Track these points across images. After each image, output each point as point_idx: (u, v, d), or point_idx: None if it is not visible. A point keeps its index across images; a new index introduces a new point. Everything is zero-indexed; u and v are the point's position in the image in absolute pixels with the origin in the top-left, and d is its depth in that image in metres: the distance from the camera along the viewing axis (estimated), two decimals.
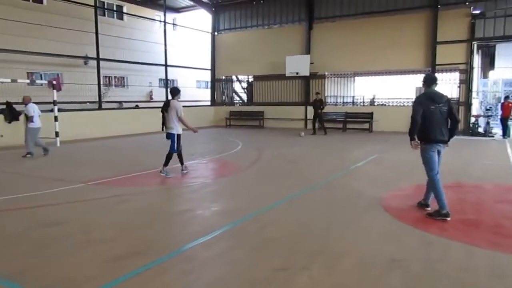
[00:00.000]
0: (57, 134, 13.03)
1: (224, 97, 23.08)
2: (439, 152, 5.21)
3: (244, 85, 23.59)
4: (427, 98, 5.14)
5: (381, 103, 19.12)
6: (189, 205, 5.77)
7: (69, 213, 5.36)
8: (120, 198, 6.14)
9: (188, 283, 3.28)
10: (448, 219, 4.90)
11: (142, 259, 3.74)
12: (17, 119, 12.30)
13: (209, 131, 18.59)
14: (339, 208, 5.53)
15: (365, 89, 22.20)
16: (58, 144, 12.98)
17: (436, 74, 16.16)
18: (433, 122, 5.05)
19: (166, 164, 7.82)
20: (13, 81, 12.45)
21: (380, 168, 8.62)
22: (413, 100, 5.42)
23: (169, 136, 7.81)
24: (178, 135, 7.84)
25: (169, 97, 8.08)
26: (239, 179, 7.79)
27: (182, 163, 8.10)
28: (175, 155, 7.87)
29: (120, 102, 21.22)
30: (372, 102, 19.31)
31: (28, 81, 14.27)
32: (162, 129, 8.07)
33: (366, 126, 17.63)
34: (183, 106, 7.88)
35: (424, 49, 16.67)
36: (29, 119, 10.34)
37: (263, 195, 6.35)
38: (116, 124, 16.42)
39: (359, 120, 17.86)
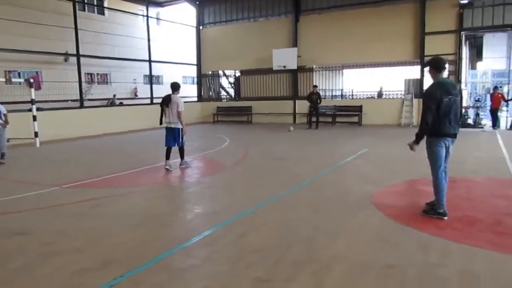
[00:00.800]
0: (36, 134, 12.50)
1: (211, 92, 22.61)
2: (447, 148, 4.66)
3: (231, 80, 23.16)
4: (441, 89, 4.46)
5: (370, 96, 18.86)
6: (169, 207, 5.38)
7: (36, 221, 4.93)
8: (95, 202, 5.72)
9: None
10: (445, 218, 4.59)
11: (110, 272, 3.35)
12: None
13: (195, 128, 18.15)
14: (328, 208, 5.18)
15: (353, 82, 21.90)
16: (38, 145, 12.46)
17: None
18: (446, 114, 4.45)
19: (182, 157, 8.22)
20: None
21: (370, 163, 8.32)
22: (425, 92, 4.67)
23: (172, 130, 8.00)
24: (181, 129, 8.00)
25: (164, 93, 8.17)
26: (224, 178, 7.42)
27: (182, 157, 8.26)
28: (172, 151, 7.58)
29: (110, 99, 20.67)
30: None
31: (3, 79, 13.63)
32: (160, 123, 8.14)
33: (356, 119, 17.36)
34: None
35: (413, 40, 16.40)
36: None
37: (247, 196, 5.99)
38: (99, 122, 15.88)
39: (348, 113, 17.58)
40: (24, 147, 12.21)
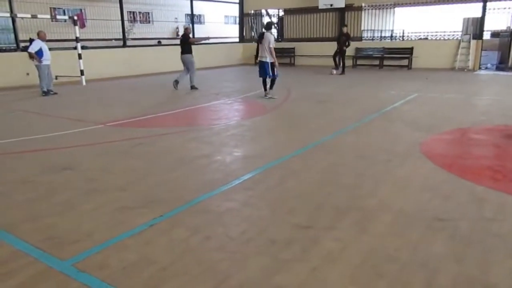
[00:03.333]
0: (82, 72, 12.73)
1: (253, 33, 21.90)
2: None
3: (275, 20, 22.23)
4: None
5: (422, 37, 17.54)
6: (209, 149, 5.33)
7: (81, 157, 5.04)
8: (138, 141, 5.78)
9: (198, 243, 2.88)
10: None
11: (150, 211, 3.37)
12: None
13: (237, 69, 17.87)
14: (373, 155, 4.92)
15: (405, 22, 20.43)
16: (84, 83, 12.73)
17: (488, 3, 14.47)
18: None
19: (271, 87, 9.32)
20: (33, 16, 11.98)
21: (420, 109, 7.82)
22: None
23: (262, 64, 9.09)
24: (272, 63, 9.02)
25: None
26: (265, 121, 7.25)
27: (271, 88, 9.33)
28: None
29: (159, 39, 20.54)
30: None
31: (48, 17, 13.74)
32: (256, 58, 9.50)
33: (405, 62, 16.32)
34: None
35: None
36: (32, 56, 10.02)
37: (288, 140, 5.82)
38: (141, 62, 15.94)
39: (398, 56, 16.52)
40: (71, 85, 12.53)
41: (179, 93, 10.70)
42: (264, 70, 9.12)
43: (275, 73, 9.16)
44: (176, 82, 11.04)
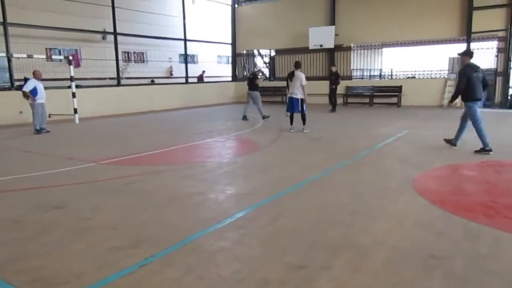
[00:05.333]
0: (75, 110, 12.80)
1: (245, 72, 22.38)
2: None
3: (266, 59, 22.79)
4: (471, 68, 6.94)
5: (410, 76, 18.05)
6: (202, 187, 5.30)
7: (72, 196, 4.98)
8: (130, 179, 5.74)
9: (190, 284, 2.81)
10: (491, 153, 6.70)
11: (141, 251, 3.30)
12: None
13: (230, 108, 18.11)
14: (366, 192, 4.94)
15: (393, 62, 21.06)
16: (77, 121, 12.77)
17: (472, 44, 15.02)
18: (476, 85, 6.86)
19: (304, 123, 9.94)
20: (29, 56, 12.15)
21: (411, 145, 7.92)
22: (460, 71, 7.25)
23: (292, 100, 9.82)
24: (302, 99, 9.70)
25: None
26: (257, 159, 7.28)
27: (304, 123, 9.95)
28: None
29: (152, 79, 20.97)
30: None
31: (44, 56, 13.96)
32: (287, 94, 10.18)
33: (394, 100, 16.69)
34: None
35: (459, 16, 15.44)
36: (26, 95, 10.15)
37: (281, 177, 5.82)
38: (135, 100, 16.11)
39: (387, 94, 16.91)
40: (64, 123, 12.56)
41: (172, 131, 10.76)
42: (293, 105, 9.83)
43: (304, 109, 9.82)
44: (244, 117, 12.76)
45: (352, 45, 18.21)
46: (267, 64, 22.76)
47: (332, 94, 15.11)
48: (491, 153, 6.72)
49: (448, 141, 7.50)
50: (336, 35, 17.76)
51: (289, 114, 10.09)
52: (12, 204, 4.71)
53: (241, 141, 9.19)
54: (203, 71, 23.47)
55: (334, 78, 14.98)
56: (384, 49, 19.99)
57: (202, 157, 7.46)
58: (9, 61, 13.25)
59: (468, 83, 6.83)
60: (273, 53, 21.61)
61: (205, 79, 22.66)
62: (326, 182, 5.46)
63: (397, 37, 17.00)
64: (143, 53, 22.85)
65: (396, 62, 21.12)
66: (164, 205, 4.58)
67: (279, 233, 3.69)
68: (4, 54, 12.68)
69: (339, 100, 16.48)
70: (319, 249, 3.32)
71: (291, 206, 4.45)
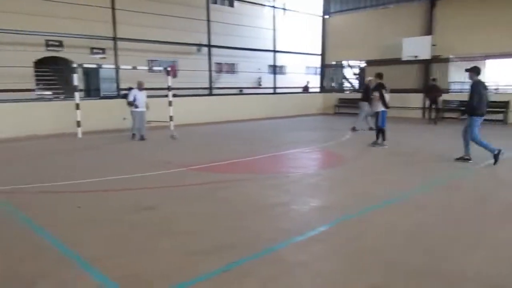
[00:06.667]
0: (171, 118, 13.67)
1: (333, 83, 22.07)
2: None
3: (356, 71, 22.27)
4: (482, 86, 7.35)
5: None
6: (285, 198, 5.30)
7: (162, 199, 5.29)
8: (215, 186, 5.95)
9: None
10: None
11: (222, 257, 3.38)
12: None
13: (316, 119, 17.95)
14: (464, 215, 4.52)
15: (499, 74, 19.19)
16: (173, 128, 13.60)
17: None
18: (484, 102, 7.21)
19: (382, 137, 9.34)
20: (134, 68, 13.33)
21: None
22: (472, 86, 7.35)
23: (375, 114, 9.52)
24: (383, 112, 9.26)
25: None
26: (343, 172, 7.08)
27: (384, 138, 9.36)
28: None
29: (240, 88, 21.89)
30: None
31: (146, 68, 15.19)
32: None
33: (500, 117, 15.15)
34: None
35: None
36: (131, 103, 10.97)
37: (367, 192, 5.58)
38: (225, 110, 16.74)
39: (491, 110, 15.38)
40: (160, 129, 13.47)
41: (259, 140, 10.95)
42: (376, 119, 9.60)
43: (384, 123, 9.48)
44: (371, 128, 12.26)
45: (450, 56, 16.99)
46: (357, 75, 22.21)
47: (437, 106, 15.19)
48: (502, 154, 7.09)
49: (460, 159, 7.53)
50: (433, 45, 16.73)
51: (381, 128, 9.41)
52: (108, 204, 5.14)
53: (326, 153, 9.03)
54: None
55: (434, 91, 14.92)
56: (488, 61, 18.30)
57: (286, 167, 7.47)
58: (116, 72, 14.67)
59: (479, 99, 7.19)
60: (363, 64, 21.04)
61: (294, 90, 22.77)
62: (417, 201, 5.11)
63: (503, 48, 15.45)
64: (234, 64, 23.73)
65: (502, 75, 19.20)
66: (247, 213, 4.66)
67: (363, 251, 3.53)
68: (113, 66, 14.05)
69: (433, 115, 15.50)
70: (404, 273, 3.10)
71: (377, 224, 4.24)
